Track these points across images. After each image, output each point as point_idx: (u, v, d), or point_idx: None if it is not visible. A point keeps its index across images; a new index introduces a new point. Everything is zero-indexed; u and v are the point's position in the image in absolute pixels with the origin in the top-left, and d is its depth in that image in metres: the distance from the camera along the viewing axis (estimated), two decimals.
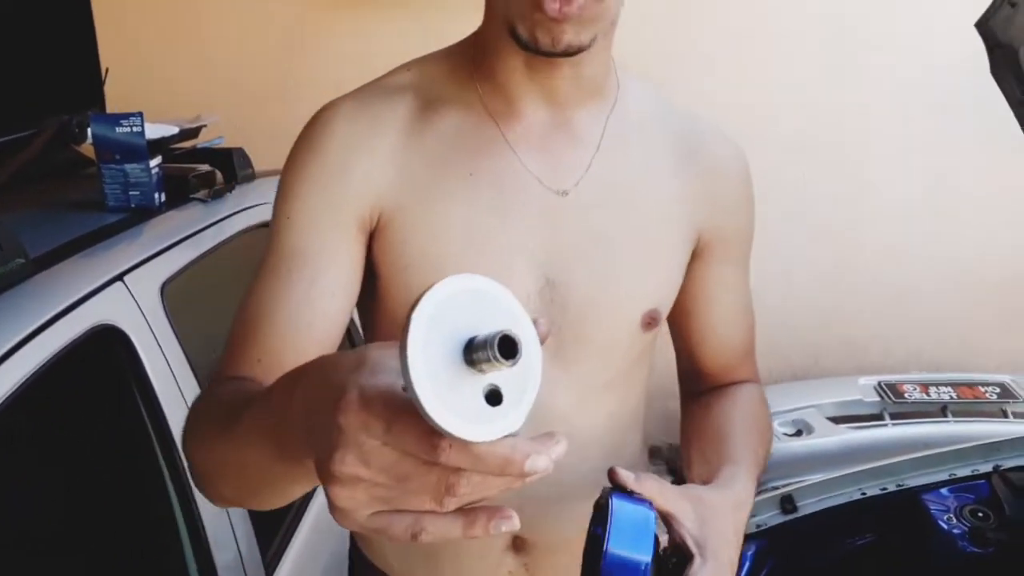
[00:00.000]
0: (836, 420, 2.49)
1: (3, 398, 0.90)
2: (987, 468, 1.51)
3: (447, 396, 0.38)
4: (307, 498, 1.52)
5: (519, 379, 0.42)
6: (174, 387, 1.22)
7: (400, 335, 0.39)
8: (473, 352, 0.40)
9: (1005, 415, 2.49)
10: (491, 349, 0.39)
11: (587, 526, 0.68)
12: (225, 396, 0.69)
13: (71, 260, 1.20)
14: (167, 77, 2.81)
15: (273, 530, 1.40)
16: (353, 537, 1.05)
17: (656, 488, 0.70)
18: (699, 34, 2.75)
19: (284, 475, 0.56)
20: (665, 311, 0.89)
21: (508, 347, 0.39)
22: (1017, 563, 1.36)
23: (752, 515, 1.22)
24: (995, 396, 2.54)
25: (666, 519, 0.70)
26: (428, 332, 0.39)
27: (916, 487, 1.49)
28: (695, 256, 0.91)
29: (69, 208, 1.49)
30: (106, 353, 1.14)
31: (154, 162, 1.48)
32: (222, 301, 1.58)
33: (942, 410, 2.50)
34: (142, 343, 1.18)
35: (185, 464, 0.75)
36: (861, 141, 2.85)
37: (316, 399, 0.46)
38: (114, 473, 1.21)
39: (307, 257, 0.76)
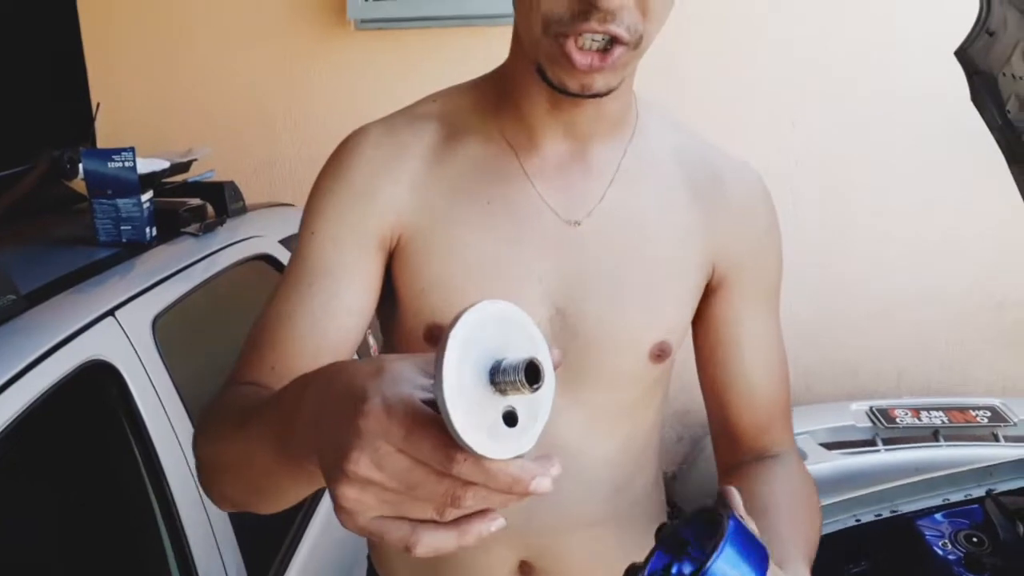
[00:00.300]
0: (829, 446, 2.49)
1: None
2: (980, 493, 1.51)
3: (472, 414, 0.41)
4: (297, 537, 1.51)
5: (533, 403, 0.44)
6: (165, 423, 1.21)
7: (437, 354, 0.41)
8: (499, 375, 0.42)
9: (996, 439, 2.50)
10: (518, 375, 0.42)
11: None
12: (236, 399, 0.71)
13: (62, 296, 1.20)
14: (158, 111, 2.83)
15: (266, 565, 1.39)
16: (370, 558, 1.04)
17: None
18: (680, 58, 2.78)
19: (286, 476, 0.58)
20: (676, 343, 0.88)
21: (533, 374, 0.42)
22: None
23: None
24: (986, 420, 2.54)
25: None
26: (461, 354, 0.42)
27: (910, 513, 1.49)
28: (713, 290, 0.89)
29: (60, 243, 1.49)
30: (97, 389, 1.14)
31: (146, 196, 1.49)
32: (214, 335, 1.58)
33: (934, 434, 2.50)
34: (133, 378, 1.17)
35: (192, 466, 0.77)
36: (849, 166, 2.88)
37: (332, 401, 0.48)
38: (105, 510, 1.20)
39: (328, 272, 0.79)
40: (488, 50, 2.81)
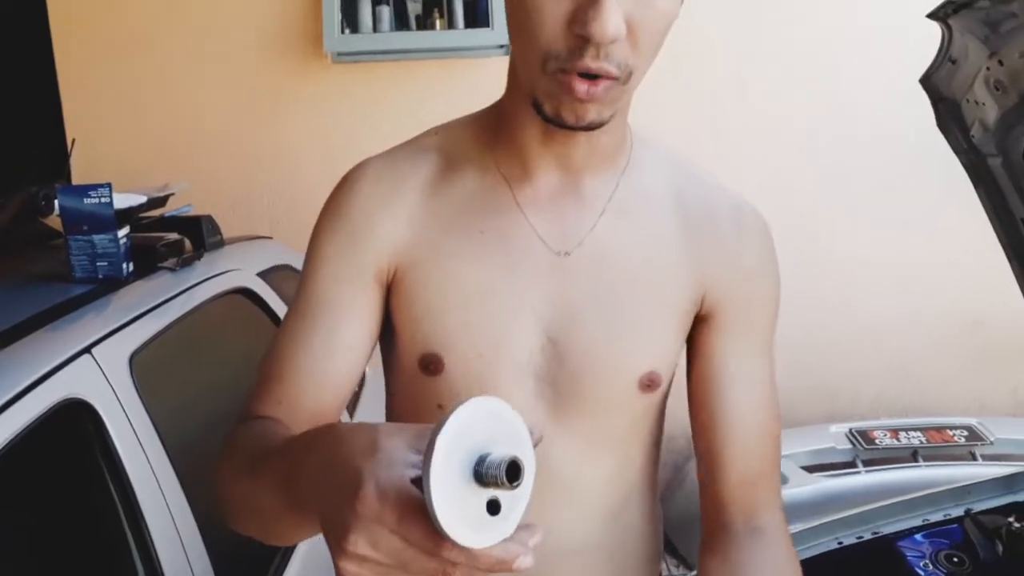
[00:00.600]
0: (810, 469, 2.51)
1: None
2: (959, 512, 1.53)
3: (457, 507, 0.46)
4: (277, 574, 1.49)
5: (516, 492, 0.48)
6: (143, 461, 1.20)
7: (426, 451, 0.45)
8: (483, 469, 0.47)
9: (974, 457, 2.53)
10: (499, 473, 0.46)
11: None
12: (250, 439, 0.77)
13: (37, 333, 1.18)
14: (134, 147, 2.82)
15: None
16: None
17: None
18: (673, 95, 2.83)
19: (293, 525, 0.66)
20: (666, 374, 0.88)
21: (513, 472, 0.46)
22: None
23: None
24: (963, 439, 2.57)
25: None
26: (448, 450, 0.46)
27: (891, 534, 1.50)
28: (702, 320, 0.89)
29: (36, 280, 1.48)
30: (74, 428, 1.13)
31: (122, 232, 1.48)
32: (192, 371, 1.56)
33: (913, 455, 2.53)
34: (111, 417, 1.16)
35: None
36: (825, 193, 2.93)
37: (331, 474, 0.53)
38: (82, 549, 1.18)
39: (329, 307, 0.83)
40: (463, 81, 2.85)
